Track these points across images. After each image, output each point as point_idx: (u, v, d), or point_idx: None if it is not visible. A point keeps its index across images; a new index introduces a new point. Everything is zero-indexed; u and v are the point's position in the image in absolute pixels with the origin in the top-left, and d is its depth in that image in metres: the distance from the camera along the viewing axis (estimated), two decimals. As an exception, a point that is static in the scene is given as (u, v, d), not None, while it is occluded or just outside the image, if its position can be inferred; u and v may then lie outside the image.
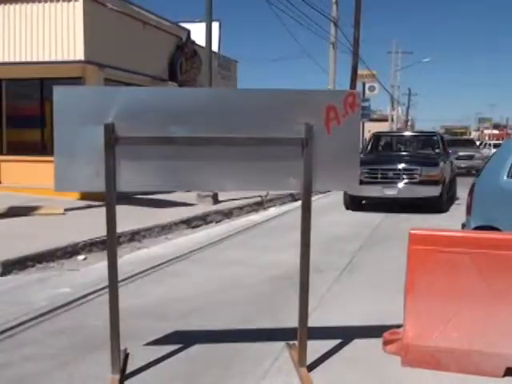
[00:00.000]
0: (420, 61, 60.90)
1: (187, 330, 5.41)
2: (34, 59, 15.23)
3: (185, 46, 20.36)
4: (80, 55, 14.85)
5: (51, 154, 4.31)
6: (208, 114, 4.26)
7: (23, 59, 15.36)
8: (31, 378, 4.35)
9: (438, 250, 4.48)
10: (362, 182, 12.89)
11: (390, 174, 14.78)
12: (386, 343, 4.83)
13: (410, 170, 14.75)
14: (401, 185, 14.68)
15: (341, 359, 4.72)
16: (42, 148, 15.90)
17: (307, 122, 4.23)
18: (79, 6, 14.83)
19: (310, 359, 4.52)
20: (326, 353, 4.80)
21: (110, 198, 4.15)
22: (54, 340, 5.11)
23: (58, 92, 4.18)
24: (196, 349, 4.94)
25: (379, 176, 14.75)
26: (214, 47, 20.40)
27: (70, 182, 4.22)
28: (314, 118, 4.27)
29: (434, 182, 14.57)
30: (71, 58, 14.95)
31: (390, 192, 14.61)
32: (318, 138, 4.26)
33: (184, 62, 20.27)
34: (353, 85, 27.79)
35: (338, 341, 5.04)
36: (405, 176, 14.68)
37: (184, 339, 5.12)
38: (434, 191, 14.51)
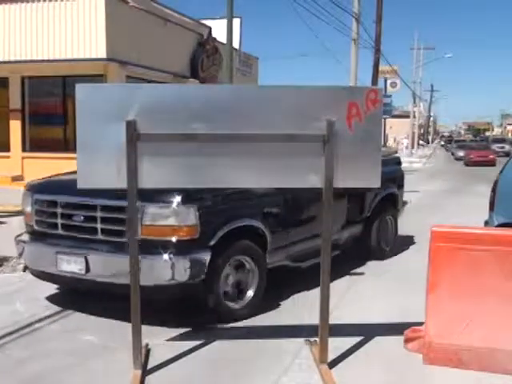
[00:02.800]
0: (442, 56, 60.19)
1: (207, 327, 5.42)
2: (57, 57, 15.36)
3: (206, 42, 20.41)
4: (102, 53, 14.94)
5: (74, 150, 4.34)
6: (230, 111, 4.26)
7: (45, 57, 15.50)
8: (59, 371, 4.40)
9: (460, 247, 4.45)
10: (33, 233, 6.05)
11: (78, 217, 5.65)
12: (407, 341, 4.81)
13: (117, 211, 5.34)
14: (97, 250, 5.47)
15: (362, 356, 4.71)
16: (65, 145, 16.04)
17: (329, 119, 4.22)
18: (101, 3, 14.92)
19: (330, 356, 4.52)
20: (347, 350, 4.78)
21: (132, 194, 4.17)
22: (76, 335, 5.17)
23: (81, 89, 4.21)
24: (216, 345, 4.96)
25: (59, 222, 5.78)
26: (235, 44, 20.40)
27: (93, 179, 4.24)
28: (335, 115, 4.25)
29: (185, 246, 5.20)
30: (93, 56, 15.05)
31: (68, 267, 5.52)
32: (339, 135, 4.25)
33: (205, 58, 20.33)
34: (374, 81, 27.56)
35: (359, 338, 5.03)
36: (109, 226, 5.46)
37: (204, 336, 5.14)
38: (183, 273, 5.18)
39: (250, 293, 5.74)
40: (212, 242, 5.32)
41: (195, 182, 4.43)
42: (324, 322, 4.46)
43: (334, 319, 4.74)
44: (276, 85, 4.63)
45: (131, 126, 4.11)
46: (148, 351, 4.73)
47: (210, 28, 20.79)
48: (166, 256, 5.08)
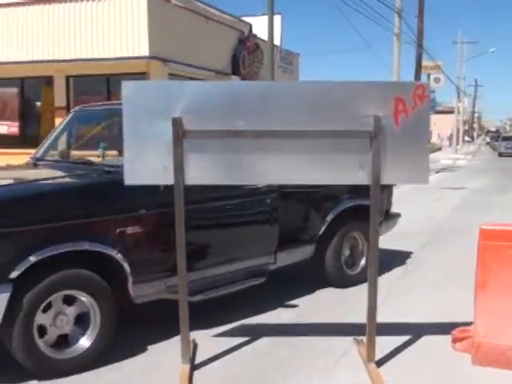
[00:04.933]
0: (486, 51, 59.02)
1: (253, 323, 5.41)
2: (101, 56, 15.56)
3: (247, 40, 20.44)
4: (145, 51, 15.08)
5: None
6: (274, 107, 4.24)
7: (89, 56, 15.71)
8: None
9: (509, 245, 4.36)
10: None
11: None
12: (455, 341, 4.73)
13: None
14: None
15: (409, 355, 4.65)
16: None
17: (375, 114, 4.17)
18: (143, 2, 15.06)
19: (378, 355, 4.47)
20: (395, 349, 4.73)
21: (179, 191, 4.19)
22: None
23: (127, 87, 4.23)
24: (263, 342, 4.95)
25: None
26: (276, 41, 20.38)
27: (139, 175, 4.25)
28: (382, 110, 4.20)
29: None
30: (136, 54, 15.20)
31: None
32: (386, 131, 4.20)
33: (246, 56, 20.36)
34: (417, 76, 27.25)
35: (407, 337, 4.97)
36: None
37: (250, 332, 5.14)
38: None
39: (85, 341, 4.37)
40: (14, 274, 3.92)
41: (241, 179, 4.43)
42: (371, 321, 4.41)
43: (380, 317, 4.69)
44: (322, 80, 4.60)
45: (177, 123, 4.12)
46: (195, 346, 4.75)
47: (250, 25, 20.82)
48: None
